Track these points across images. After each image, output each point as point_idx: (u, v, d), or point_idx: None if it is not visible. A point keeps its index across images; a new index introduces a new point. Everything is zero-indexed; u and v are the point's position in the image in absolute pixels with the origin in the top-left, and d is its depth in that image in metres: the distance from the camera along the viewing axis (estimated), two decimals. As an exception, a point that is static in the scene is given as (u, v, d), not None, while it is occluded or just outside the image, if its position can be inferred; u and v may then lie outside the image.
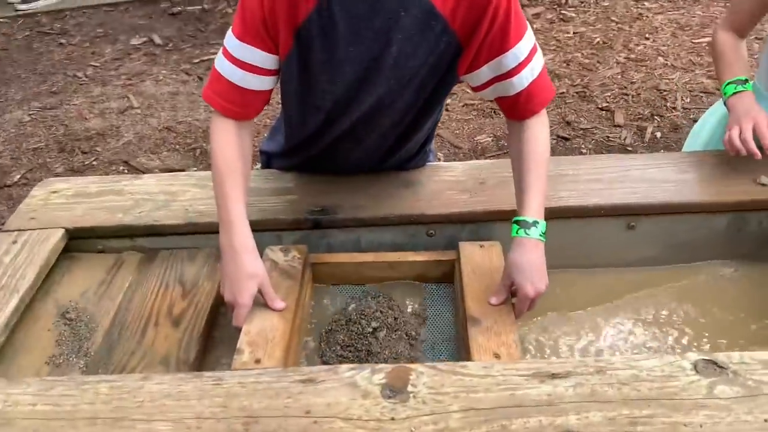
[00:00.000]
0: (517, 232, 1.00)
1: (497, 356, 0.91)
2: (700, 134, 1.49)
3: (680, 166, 1.24)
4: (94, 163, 2.92)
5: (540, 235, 0.99)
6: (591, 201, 1.16)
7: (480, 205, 1.18)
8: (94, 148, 3.02)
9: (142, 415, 0.83)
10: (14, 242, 1.19)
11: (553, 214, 1.16)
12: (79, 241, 1.25)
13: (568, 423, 0.76)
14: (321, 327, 1.09)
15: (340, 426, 0.78)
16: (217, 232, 1.19)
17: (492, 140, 2.90)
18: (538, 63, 1.04)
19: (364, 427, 0.78)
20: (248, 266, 0.98)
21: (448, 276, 1.16)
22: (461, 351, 1.02)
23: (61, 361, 1.03)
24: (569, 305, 1.11)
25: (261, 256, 1.04)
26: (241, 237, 1.00)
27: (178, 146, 3.02)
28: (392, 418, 0.79)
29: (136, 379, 0.89)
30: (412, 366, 0.85)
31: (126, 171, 2.85)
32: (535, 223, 1.00)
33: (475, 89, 1.08)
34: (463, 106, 3.17)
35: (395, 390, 0.82)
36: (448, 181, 1.25)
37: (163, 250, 1.23)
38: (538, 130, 1.06)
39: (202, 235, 1.22)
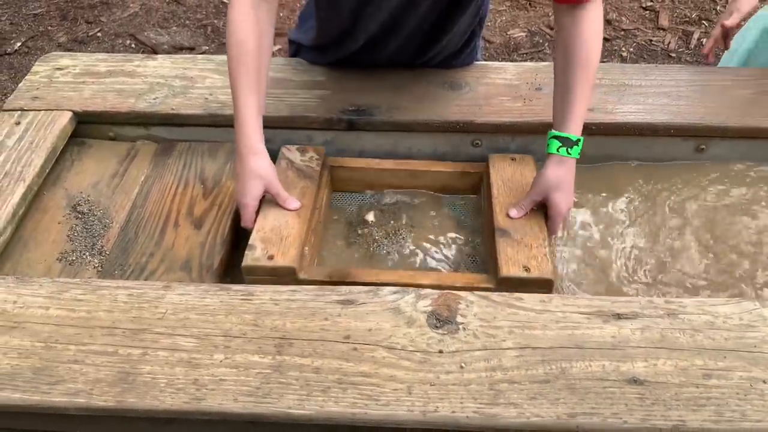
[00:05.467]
0: (557, 150, 0.90)
1: (527, 269, 0.85)
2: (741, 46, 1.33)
3: (764, 84, 1.10)
4: (99, 34, 2.73)
5: (578, 154, 0.91)
6: (659, 118, 1.04)
7: (535, 116, 1.06)
8: (98, 17, 2.82)
9: (163, 328, 0.77)
10: (17, 123, 1.08)
11: (615, 131, 1.05)
12: (88, 126, 1.14)
13: (634, 370, 0.69)
14: (338, 234, 1.02)
15: (383, 356, 0.72)
16: (241, 127, 1.10)
17: (526, 36, 2.69)
18: None
19: (409, 359, 0.71)
20: (253, 166, 0.91)
21: (474, 190, 1.07)
22: (487, 263, 0.95)
23: (74, 258, 0.95)
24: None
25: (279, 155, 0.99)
26: (247, 137, 0.91)
27: (188, 21, 2.81)
28: (440, 351, 0.72)
29: (157, 287, 0.81)
30: (462, 294, 0.78)
31: (133, 45, 2.67)
32: (577, 141, 0.90)
33: None
34: (495, -5, 2.92)
35: (442, 319, 0.75)
36: (499, 85, 1.12)
37: (181, 142, 1.13)
38: (592, 22, 0.90)
39: (224, 128, 1.11)
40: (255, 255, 0.88)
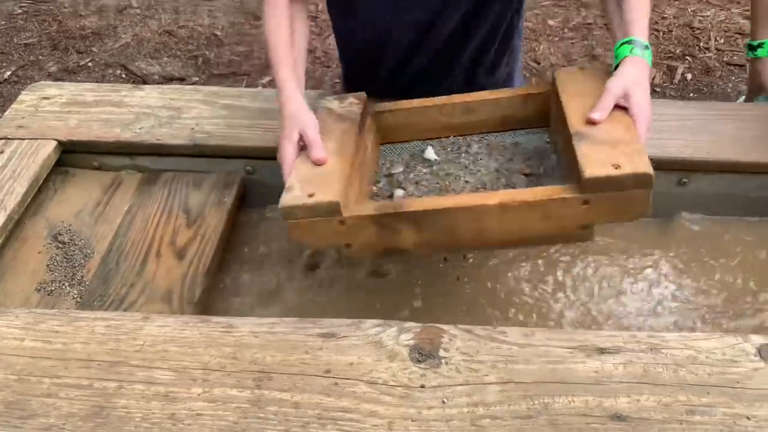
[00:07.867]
0: (632, 51, 0.83)
1: (616, 166, 0.73)
2: None
3: (745, 119, 1.12)
4: (90, 64, 2.74)
5: (650, 61, 0.84)
6: (642, 151, 1.05)
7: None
8: (89, 48, 2.83)
9: (140, 361, 0.75)
10: (1, 152, 1.08)
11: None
12: (73, 155, 1.13)
13: (617, 406, 0.68)
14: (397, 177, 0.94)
15: (363, 390, 0.71)
16: (226, 157, 1.10)
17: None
18: None
19: (390, 394, 0.70)
20: (287, 113, 0.88)
21: (542, 118, 0.96)
22: (564, 170, 0.83)
23: (53, 288, 0.94)
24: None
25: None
26: (283, 96, 0.90)
27: (179, 52, 2.83)
28: (422, 386, 0.71)
29: (136, 318, 0.80)
30: (445, 327, 0.77)
31: (124, 75, 2.68)
32: (647, 47, 0.84)
33: None
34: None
35: (425, 353, 0.74)
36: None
37: (166, 172, 1.12)
38: None
39: (209, 158, 1.11)
40: (294, 194, 0.80)
